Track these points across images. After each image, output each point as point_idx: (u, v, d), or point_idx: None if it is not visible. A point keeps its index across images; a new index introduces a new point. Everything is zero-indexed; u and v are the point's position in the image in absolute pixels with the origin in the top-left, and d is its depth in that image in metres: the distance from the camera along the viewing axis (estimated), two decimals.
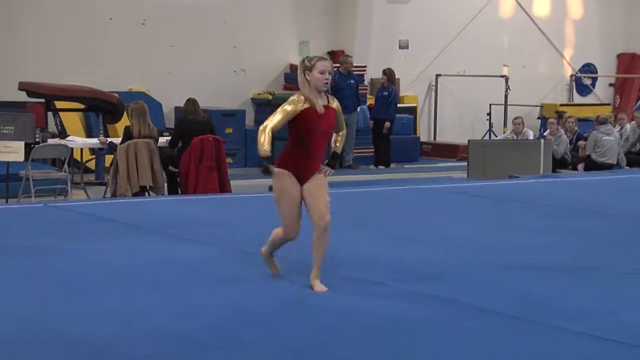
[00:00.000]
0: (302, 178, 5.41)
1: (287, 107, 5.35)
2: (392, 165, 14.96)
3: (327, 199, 5.44)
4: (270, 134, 5.31)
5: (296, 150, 5.41)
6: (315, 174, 5.44)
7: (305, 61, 5.42)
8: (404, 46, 17.10)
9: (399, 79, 16.60)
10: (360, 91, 14.98)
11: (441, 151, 16.63)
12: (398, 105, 16.47)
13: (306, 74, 5.39)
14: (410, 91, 17.19)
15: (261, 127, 5.36)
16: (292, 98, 5.40)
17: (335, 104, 5.52)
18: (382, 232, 7.48)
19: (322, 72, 5.38)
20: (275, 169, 5.39)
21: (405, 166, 15.16)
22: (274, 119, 5.34)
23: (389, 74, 14.87)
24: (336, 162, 5.62)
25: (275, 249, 5.68)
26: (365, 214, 8.45)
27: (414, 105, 16.94)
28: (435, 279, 5.75)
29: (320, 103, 5.37)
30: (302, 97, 5.36)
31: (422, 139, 16.76)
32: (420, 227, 7.79)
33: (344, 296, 5.30)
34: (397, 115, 15.90)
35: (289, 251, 5.87)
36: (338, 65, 14.93)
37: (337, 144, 5.68)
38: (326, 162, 5.54)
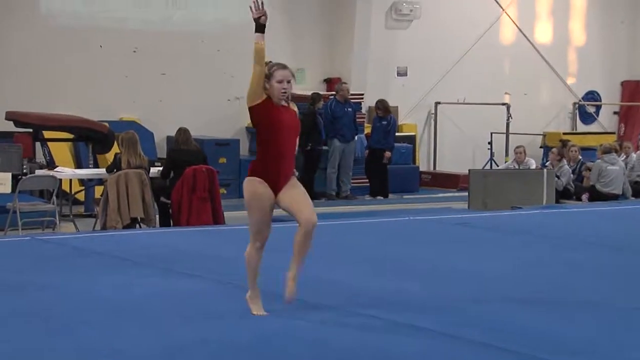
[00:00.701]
0: (275, 183, 5.40)
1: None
2: (391, 195, 14.99)
3: (310, 202, 5.46)
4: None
5: (265, 153, 5.42)
6: (290, 181, 5.44)
7: (265, 69, 5.44)
8: (402, 73, 17.19)
9: (397, 107, 16.67)
10: (357, 119, 15.05)
11: (441, 181, 16.65)
12: (396, 134, 16.53)
13: (265, 82, 5.44)
14: (409, 120, 17.25)
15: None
16: None
17: (295, 108, 5.59)
18: (379, 264, 7.49)
19: (279, 81, 5.45)
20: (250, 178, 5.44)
21: (404, 196, 15.18)
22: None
23: (383, 106, 14.92)
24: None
25: (256, 273, 5.60)
26: (362, 246, 8.46)
27: (413, 134, 16.99)
28: (433, 312, 5.75)
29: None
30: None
31: (421, 169, 16.78)
32: (419, 259, 7.80)
33: (339, 330, 5.31)
34: (396, 144, 15.95)
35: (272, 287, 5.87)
36: (334, 93, 15.01)
37: None
38: None
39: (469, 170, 13.72)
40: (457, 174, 16.36)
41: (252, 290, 5.67)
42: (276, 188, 5.43)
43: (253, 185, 5.42)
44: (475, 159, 17.50)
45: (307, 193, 5.56)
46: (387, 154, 14.73)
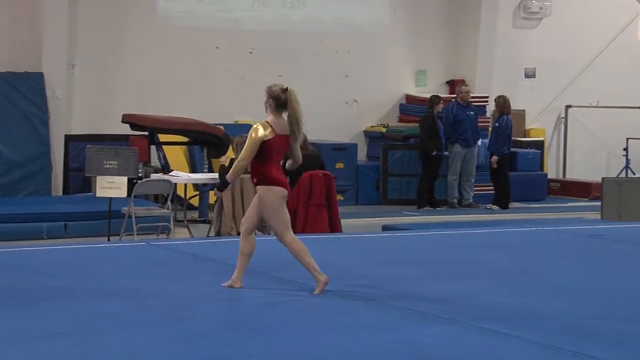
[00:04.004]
0: None
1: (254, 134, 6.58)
2: (517, 204, 14.77)
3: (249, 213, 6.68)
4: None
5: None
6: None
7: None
8: (530, 75, 16.93)
9: (523, 110, 16.42)
10: (481, 124, 14.90)
11: (571, 190, 16.35)
12: (523, 139, 16.30)
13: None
14: (536, 124, 16.98)
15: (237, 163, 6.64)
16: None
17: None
18: (505, 277, 7.40)
19: None
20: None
21: (531, 205, 14.96)
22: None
23: (499, 103, 14.66)
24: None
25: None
26: (486, 258, 8.37)
27: (541, 139, 16.73)
28: (564, 330, 5.64)
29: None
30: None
31: (549, 176, 16.51)
32: (548, 272, 7.67)
33: (468, 347, 5.27)
34: (522, 150, 15.74)
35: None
36: (455, 95, 14.91)
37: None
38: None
39: (602, 178, 13.44)
40: (589, 182, 16.05)
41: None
42: None
43: None
44: (609, 167, 17.10)
45: (258, 202, 6.64)
46: (493, 158, 14.46)
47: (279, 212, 6.60)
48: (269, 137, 6.57)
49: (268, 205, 6.58)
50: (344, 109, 15.80)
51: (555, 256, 8.61)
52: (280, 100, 6.62)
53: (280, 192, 6.60)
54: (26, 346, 5.16)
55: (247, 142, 6.60)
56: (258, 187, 6.63)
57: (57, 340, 5.28)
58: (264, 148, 6.55)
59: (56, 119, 13.52)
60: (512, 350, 5.26)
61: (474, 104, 14.90)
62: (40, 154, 13.12)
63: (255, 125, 6.65)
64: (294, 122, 6.58)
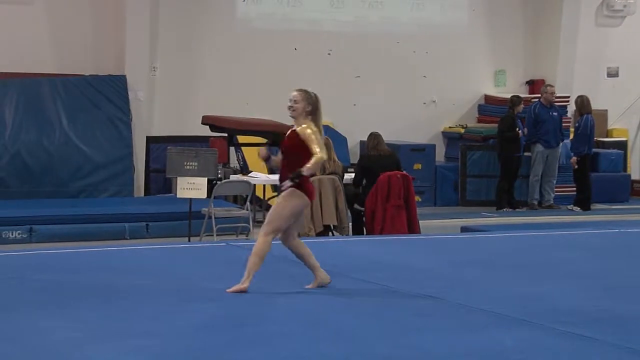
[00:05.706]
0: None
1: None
2: (598, 205, 14.50)
3: (269, 218, 6.57)
4: None
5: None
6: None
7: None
8: (613, 74, 16.61)
9: (606, 110, 16.13)
10: (563, 124, 14.68)
11: None
12: (606, 139, 16.03)
13: None
14: (619, 124, 16.66)
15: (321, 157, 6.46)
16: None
17: (296, 127, 6.65)
18: (587, 279, 7.28)
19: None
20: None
21: (613, 207, 14.69)
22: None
23: (577, 103, 14.42)
24: (293, 177, 6.46)
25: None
26: (567, 260, 8.24)
27: (624, 139, 16.41)
28: None
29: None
30: None
31: (632, 177, 16.18)
32: (631, 275, 7.51)
33: (547, 350, 5.19)
34: (604, 150, 15.46)
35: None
36: (539, 95, 14.71)
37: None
38: None
39: None
40: None
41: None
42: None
43: None
44: None
45: (280, 206, 6.55)
46: (573, 159, 14.22)
47: (293, 216, 6.59)
48: None
49: (290, 206, 6.55)
50: (422, 110, 15.72)
51: (638, 258, 8.43)
52: (316, 106, 6.63)
53: (307, 201, 6.62)
54: (108, 345, 5.25)
55: (315, 138, 6.49)
56: (292, 188, 6.49)
57: (138, 340, 5.35)
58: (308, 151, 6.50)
59: (138, 121, 13.73)
60: (597, 354, 5.16)
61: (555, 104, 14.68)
62: (122, 155, 13.32)
63: (308, 130, 6.56)
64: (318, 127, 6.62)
